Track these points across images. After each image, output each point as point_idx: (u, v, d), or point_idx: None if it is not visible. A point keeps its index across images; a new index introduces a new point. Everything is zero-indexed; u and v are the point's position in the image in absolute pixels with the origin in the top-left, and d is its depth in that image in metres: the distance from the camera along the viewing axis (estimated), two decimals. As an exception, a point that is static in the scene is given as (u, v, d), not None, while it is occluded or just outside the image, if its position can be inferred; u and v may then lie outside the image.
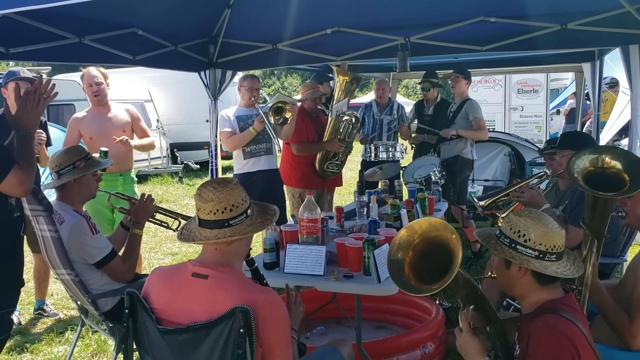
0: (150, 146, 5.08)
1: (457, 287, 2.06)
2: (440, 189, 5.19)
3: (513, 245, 2.05)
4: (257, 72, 6.12)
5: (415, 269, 2.06)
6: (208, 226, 2.05)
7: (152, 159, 12.58)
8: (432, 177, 5.37)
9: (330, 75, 6.61)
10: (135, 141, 4.81)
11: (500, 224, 2.23)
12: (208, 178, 5.63)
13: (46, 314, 4.74)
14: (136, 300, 2.14)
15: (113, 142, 4.57)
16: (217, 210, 2.03)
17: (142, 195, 3.55)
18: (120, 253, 3.34)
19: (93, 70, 4.74)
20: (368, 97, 21.51)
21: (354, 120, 5.79)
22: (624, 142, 8.94)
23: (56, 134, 4.92)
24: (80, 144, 4.62)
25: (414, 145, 6.66)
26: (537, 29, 4.77)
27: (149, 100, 13.13)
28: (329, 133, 5.67)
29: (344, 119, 5.69)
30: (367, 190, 4.70)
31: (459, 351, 2.15)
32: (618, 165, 2.43)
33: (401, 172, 6.08)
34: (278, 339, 2.01)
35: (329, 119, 5.67)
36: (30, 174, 2.47)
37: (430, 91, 6.49)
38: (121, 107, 4.89)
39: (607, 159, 2.46)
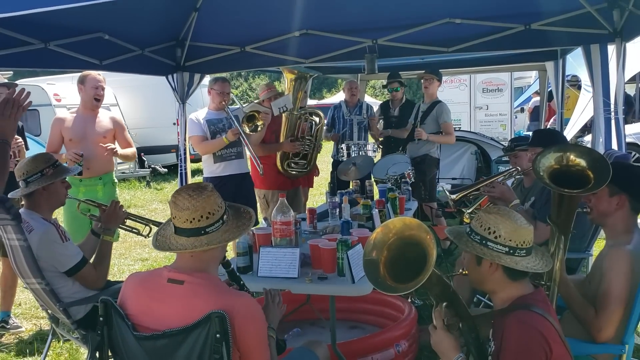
0: (133, 156, 5.05)
1: (431, 285, 2.09)
2: (410, 188, 5.25)
3: (484, 242, 2.09)
4: (224, 74, 6.09)
5: (390, 268, 2.08)
6: (184, 234, 2.04)
7: (118, 163, 12.38)
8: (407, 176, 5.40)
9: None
10: (121, 150, 4.77)
11: (465, 220, 2.26)
12: (177, 182, 5.58)
13: (9, 327, 4.56)
14: (110, 307, 2.12)
15: (92, 146, 4.52)
16: (194, 219, 2.02)
17: (112, 201, 3.52)
18: (91, 260, 3.30)
19: (96, 74, 4.67)
20: (336, 97, 21.59)
21: (316, 118, 5.71)
22: (587, 139, 9.18)
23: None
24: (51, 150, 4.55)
25: (380, 146, 6.72)
26: (501, 30, 4.87)
27: (115, 104, 12.95)
28: (285, 133, 5.59)
29: (302, 116, 5.62)
30: (339, 191, 4.73)
31: (433, 348, 2.18)
32: (582, 162, 2.49)
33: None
34: (255, 343, 2.01)
35: (283, 118, 5.60)
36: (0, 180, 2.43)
37: (399, 91, 6.57)
38: (107, 114, 4.84)
39: (572, 157, 2.51)
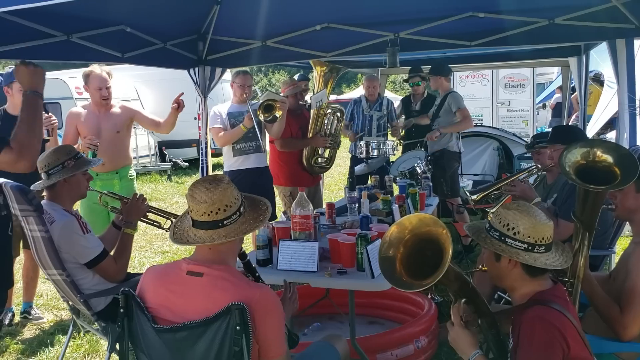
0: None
1: (449, 281, 2.08)
2: (431, 184, 5.20)
3: (502, 238, 2.06)
4: (246, 68, 6.10)
5: (406, 265, 2.07)
6: (202, 227, 2.04)
7: (140, 157, 12.47)
8: (417, 168, 5.36)
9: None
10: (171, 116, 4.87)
11: (490, 218, 2.24)
12: (198, 175, 5.60)
13: (31, 317, 4.62)
14: (131, 299, 2.13)
15: (106, 142, 4.51)
16: (211, 212, 2.02)
17: (134, 194, 3.53)
18: (112, 253, 3.32)
19: (101, 71, 4.60)
20: (356, 92, 21.51)
21: (338, 114, 5.69)
22: (609, 135, 9.03)
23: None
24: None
25: (401, 141, 6.67)
26: (524, 24, 4.80)
27: (137, 98, 13.04)
28: (313, 128, 5.59)
29: (327, 112, 5.60)
30: (357, 186, 4.70)
31: (451, 344, 2.17)
32: (609, 158, 2.44)
33: (388, 167, 6.07)
34: (274, 334, 2.01)
35: (311, 113, 5.60)
36: (29, 145, 2.39)
37: (420, 85, 6.52)
38: (119, 105, 4.82)
39: (599, 153, 2.47)
